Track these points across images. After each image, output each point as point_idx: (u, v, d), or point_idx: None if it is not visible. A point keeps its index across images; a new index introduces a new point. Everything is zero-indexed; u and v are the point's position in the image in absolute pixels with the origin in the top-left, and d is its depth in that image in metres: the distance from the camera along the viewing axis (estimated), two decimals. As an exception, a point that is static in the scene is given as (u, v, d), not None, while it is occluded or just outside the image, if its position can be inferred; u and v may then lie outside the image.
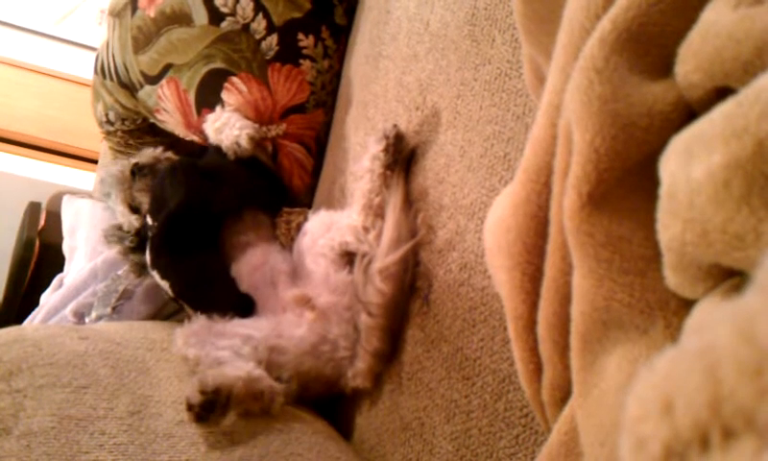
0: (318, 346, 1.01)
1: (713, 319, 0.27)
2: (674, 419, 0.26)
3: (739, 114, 0.34)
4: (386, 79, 1.18)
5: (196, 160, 1.39)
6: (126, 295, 1.60)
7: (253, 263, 1.20)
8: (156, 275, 1.23)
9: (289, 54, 1.47)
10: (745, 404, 0.23)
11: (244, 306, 1.14)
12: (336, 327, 1.02)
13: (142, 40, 1.56)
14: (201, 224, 1.25)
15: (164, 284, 1.22)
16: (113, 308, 1.57)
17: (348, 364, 1.01)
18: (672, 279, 0.41)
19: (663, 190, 0.39)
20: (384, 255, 0.96)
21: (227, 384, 0.87)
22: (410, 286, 0.96)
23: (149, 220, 1.34)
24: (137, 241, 1.36)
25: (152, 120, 1.73)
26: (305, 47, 1.48)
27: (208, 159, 1.40)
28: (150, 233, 1.35)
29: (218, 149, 1.42)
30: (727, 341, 0.25)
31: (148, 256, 1.26)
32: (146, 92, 1.62)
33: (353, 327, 1.02)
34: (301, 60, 1.48)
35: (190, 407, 0.85)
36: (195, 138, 1.59)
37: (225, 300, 1.14)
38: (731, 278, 0.38)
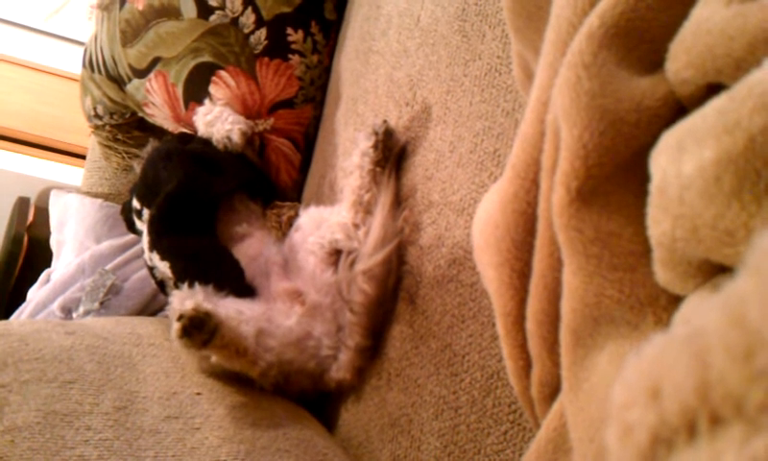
0: (303, 340, 1.02)
1: (704, 307, 0.27)
2: (661, 405, 0.25)
3: (732, 109, 0.34)
4: (376, 74, 1.17)
5: (185, 147, 1.38)
6: (113, 290, 1.60)
7: (251, 254, 1.20)
8: (155, 256, 1.22)
9: (278, 48, 1.47)
10: (734, 390, 0.23)
11: (249, 293, 1.13)
12: (320, 326, 1.02)
13: (130, 33, 1.55)
14: (198, 207, 1.24)
15: (163, 265, 1.20)
16: (101, 303, 1.56)
17: (332, 361, 1.01)
18: (662, 274, 0.41)
19: (654, 185, 0.39)
20: (368, 256, 0.96)
21: (219, 316, 0.90)
22: (394, 286, 0.96)
23: (135, 203, 1.34)
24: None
25: (140, 114, 1.72)
26: (294, 42, 1.48)
27: (196, 147, 1.39)
28: (135, 217, 1.35)
29: (204, 140, 1.41)
30: (716, 325, 0.24)
31: (146, 238, 1.25)
32: (134, 86, 1.61)
33: (337, 327, 1.02)
34: (290, 55, 1.48)
35: (180, 317, 0.87)
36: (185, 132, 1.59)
37: (233, 282, 1.12)
38: (721, 273, 0.38)
